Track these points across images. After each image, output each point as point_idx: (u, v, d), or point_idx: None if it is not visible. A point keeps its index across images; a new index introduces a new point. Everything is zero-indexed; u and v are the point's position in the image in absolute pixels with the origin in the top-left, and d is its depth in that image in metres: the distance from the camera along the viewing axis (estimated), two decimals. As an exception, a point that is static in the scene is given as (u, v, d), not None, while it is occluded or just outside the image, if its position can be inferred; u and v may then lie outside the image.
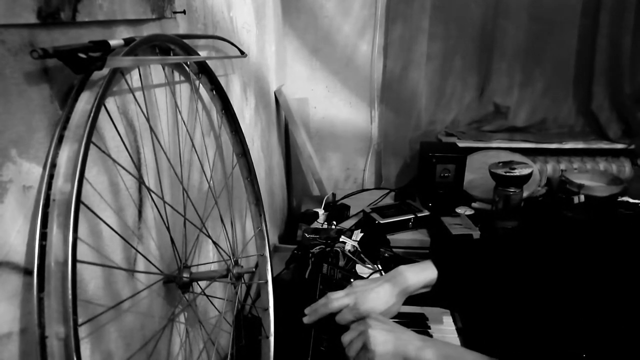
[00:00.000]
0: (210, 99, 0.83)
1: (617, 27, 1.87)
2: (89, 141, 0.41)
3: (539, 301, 0.95)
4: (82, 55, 0.42)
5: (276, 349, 0.93)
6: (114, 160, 0.51)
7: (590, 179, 1.73)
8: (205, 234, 0.70)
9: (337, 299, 0.85)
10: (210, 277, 0.66)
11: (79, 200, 0.38)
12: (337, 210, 1.66)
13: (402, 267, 0.91)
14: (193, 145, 0.74)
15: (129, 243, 0.54)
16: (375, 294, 0.86)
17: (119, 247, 0.55)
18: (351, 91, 2.01)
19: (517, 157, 1.84)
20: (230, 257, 0.71)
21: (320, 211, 1.66)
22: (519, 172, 1.53)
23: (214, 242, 0.71)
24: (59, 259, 0.38)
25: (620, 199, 1.63)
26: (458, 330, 1.05)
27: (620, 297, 0.83)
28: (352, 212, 1.68)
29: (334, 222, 1.56)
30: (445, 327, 1.03)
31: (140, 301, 0.62)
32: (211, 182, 0.81)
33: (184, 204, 0.67)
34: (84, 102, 0.44)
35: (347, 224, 1.59)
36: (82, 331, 0.48)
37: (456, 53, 1.97)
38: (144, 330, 0.63)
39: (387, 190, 1.90)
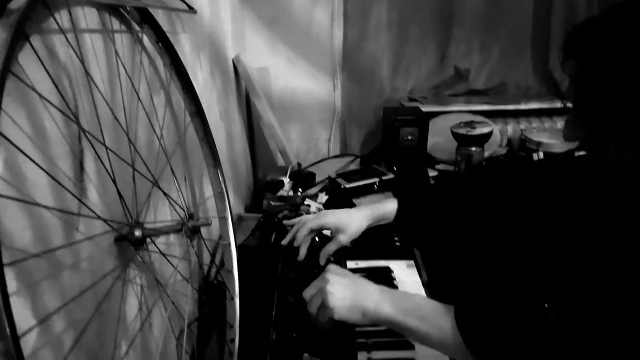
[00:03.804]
0: (157, 53, 0.79)
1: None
2: (6, 68, 0.38)
3: (497, 244, 0.96)
4: (-8, -25, 0.38)
5: (242, 310, 0.92)
6: (41, 96, 0.47)
7: (548, 137, 1.77)
8: (155, 184, 0.67)
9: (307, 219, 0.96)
10: (164, 232, 0.64)
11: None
12: (302, 178, 1.64)
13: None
14: (139, 98, 0.70)
15: (67, 189, 0.51)
16: (335, 214, 0.97)
17: (56, 199, 0.52)
18: (313, 60, 1.98)
19: (478, 118, 1.87)
20: (184, 210, 0.69)
21: (286, 180, 1.64)
22: (480, 130, 1.55)
23: (165, 194, 0.68)
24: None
25: (577, 154, 1.68)
26: (423, 283, 1.07)
27: (578, 244, 0.85)
28: (318, 179, 1.67)
29: (300, 190, 1.55)
30: (410, 279, 1.04)
31: (89, 259, 0.59)
32: (162, 140, 0.78)
33: (131, 157, 0.63)
34: (0, 30, 0.40)
35: (312, 191, 1.58)
36: (14, 281, 0.45)
37: (415, 19, 1.97)
38: (95, 289, 0.61)
39: (353, 157, 1.90)
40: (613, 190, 0.77)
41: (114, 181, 0.59)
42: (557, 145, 1.70)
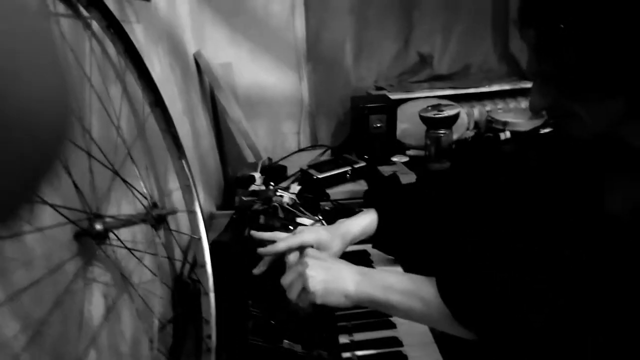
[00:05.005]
0: (109, 40, 0.75)
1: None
2: None
3: (475, 239, 0.96)
4: None
5: (217, 305, 0.88)
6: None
7: (514, 116, 1.80)
8: (114, 172, 0.63)
9: (284, 239, 0.86)
10: (127, 223, 0.60)
11: None
12: (274, 172, 1.61)
13: (341, 219, 0.96)
14: (91, 85, 0.66)
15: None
16: (316, 231, 0.89)
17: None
18: (277, 53, 1.95)
19: (445, 102, 1.88)
20: (147, 199, 0.65)
21: (257, 174, 1.61)
22: (447, 113, 1.56)
23: (125, 182, 0.64)
24: None
25: (542, 131, 1.71)
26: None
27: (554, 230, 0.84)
28: (290, 173, 1.65)
29: (272, 183, 1.52)
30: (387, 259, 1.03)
31: (47, 257, 0.55)
32: (120, 130, 0.74)
33: (86, 145, 0.60)
34: None
35: (285, 184, 1.55)
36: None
37: (376, 5, 1.96)
38: (55, 288, 0.57)
39: (324, 149, 1.88)
40: (583, 158, 0.77)
41: (68, 170, 0.55)
42: (523, 124, 1.73)
